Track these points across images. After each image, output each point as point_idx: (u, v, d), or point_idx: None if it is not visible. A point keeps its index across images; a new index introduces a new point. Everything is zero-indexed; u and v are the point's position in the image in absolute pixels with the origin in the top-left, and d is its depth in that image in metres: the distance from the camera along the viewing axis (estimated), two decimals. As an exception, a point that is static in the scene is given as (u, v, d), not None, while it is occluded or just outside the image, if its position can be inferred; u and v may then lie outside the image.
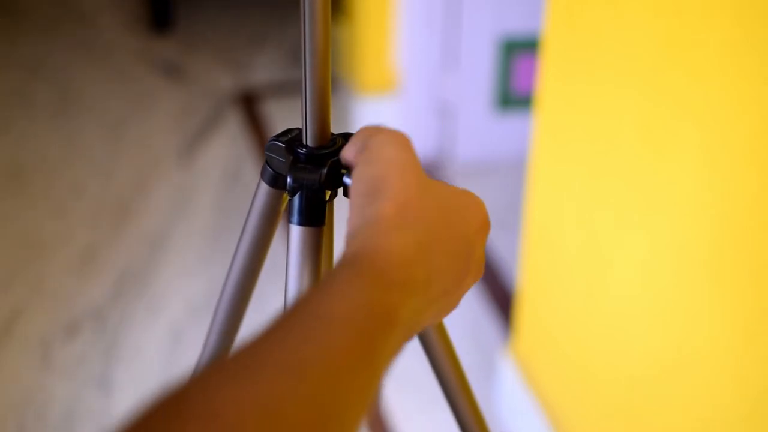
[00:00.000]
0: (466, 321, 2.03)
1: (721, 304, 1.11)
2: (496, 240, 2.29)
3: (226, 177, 2.55)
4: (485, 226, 0.56)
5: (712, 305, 1.12)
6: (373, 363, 0.44)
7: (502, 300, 2.10)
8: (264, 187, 0.68)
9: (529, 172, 1.57)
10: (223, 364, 0.40)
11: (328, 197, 0.63)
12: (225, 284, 0.74)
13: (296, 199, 0.64)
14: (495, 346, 1.93)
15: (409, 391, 1.83)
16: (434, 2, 2.42)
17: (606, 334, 1.40)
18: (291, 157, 0.64)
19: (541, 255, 1.59)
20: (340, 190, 0.64)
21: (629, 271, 1.30)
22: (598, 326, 1.42)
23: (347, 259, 0.49)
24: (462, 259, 0.54)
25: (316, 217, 0.62)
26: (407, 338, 0.50)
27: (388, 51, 2.59)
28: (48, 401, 1.83)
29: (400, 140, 0.55)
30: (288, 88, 2.98)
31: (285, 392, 0.39)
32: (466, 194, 0.57)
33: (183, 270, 2.19)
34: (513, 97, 2.55)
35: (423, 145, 2.57)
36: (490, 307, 2.09)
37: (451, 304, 0.55)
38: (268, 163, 0.67)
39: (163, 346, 1.97)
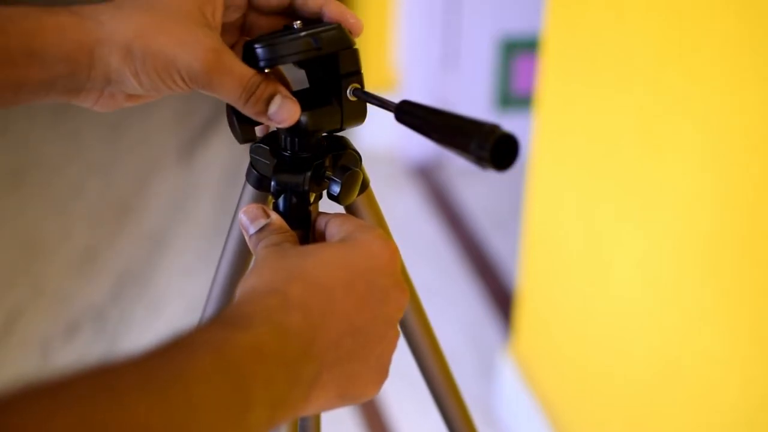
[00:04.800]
0: (466, 321, 2.03)
1: (723, 303, 1.10)
2: (496, 240, 2.29)
3: (226, 176, 2.55)
4: (377, 255, 0.55)
5: (713, 305, 1.12)
6: (238, 393, 0.44)
7: (502, 300, 2.10)
8: (249, 190, 0.68)
9: (529, 172, 1.57)
10: (71, 382, 0.40)
11: (312, 200, 0.64)
12: (212, 286, 0.74)
13: (280, 202, 0.64)
14: (495, 346, 1.93)
15: (408, 392, 1.83)
16: (434, 2, 2.42)
17: (606, 334, 1.40)
18: (275, 160, 0.65)
19: (541, 255, 1.59)
20: (324, 193, 0.64)
21: (629, 270, 1.30)
22: (598, 326, 1.42)
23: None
24: (355, 294, 0.53)
25: (300, 219, 0.62)
26: (297, 391, 0.49)
27: (388, 50, 2.59)
28: (48, 401, 1.83)
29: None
30: (293, 87, 2.98)
31: (140, 408, 0.39)
32: (346, 239, 0.57)
33: (183, 270, 2.19)
34: (513, 97, 2.55)
35: (423, 145, 2.57)
36: (490, 307, 2.08)
37: (375, 345, 0.54)
38: (253, 165, 0.67)
39: (163, 346, 1.97)
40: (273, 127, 0.65)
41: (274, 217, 0.60)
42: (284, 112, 0.61)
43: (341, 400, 0.53)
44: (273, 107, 0.61)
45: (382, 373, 0.55)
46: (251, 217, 0.59)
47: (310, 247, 0.55)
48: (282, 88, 0.62)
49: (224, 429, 0.43)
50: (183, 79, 0.60)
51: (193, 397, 0.42)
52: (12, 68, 0.58)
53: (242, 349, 0.46)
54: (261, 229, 0.59)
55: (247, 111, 0.61)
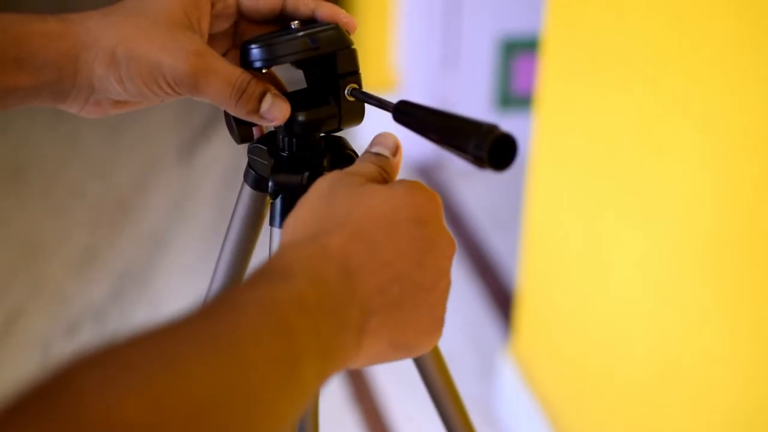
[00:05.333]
0: (466, 321, 2.03)
1: (723, 303, 1.10)
2: (496, 240, 2.29)
3: (226, 176, 2.55)
4: (421, 203, 0.55)
5: (713, 305, 1.12)
6: (288, 345, 0.44)
7: (502, 300, 2.10)
8: (247, 190, 0.68)
9: (529, 172, 1.57)
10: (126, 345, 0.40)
11: None
12: (209, 288, 0.74)
13: (278, 202, 0.64)
14: (495, 346, 1.93)
15: (409, 391, 1.82)
16: (434, 2, 2.42)
17: (606, 334, 1.40)
18: (273, 161, 0.65)
19: (541, 255, 1.59)
20: None
21: (629, 270, 1.30)
22: (599, 326, 1.42)
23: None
24: (399, 241, 0.53)
25: None
26: (347, 337, 0.49)
27: (388, 50, 2.59)
28: (48, 401, 1.83)
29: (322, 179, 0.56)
30: (291, 88, 2.98)
31: (195, 364, 0.40)
32: (391, 186, 0.56)
33: (183, 270, 2.19)
34: (513, 97, 2.54)
35: (423, 145, 2.56)
36: (490, 307, 2.08)
37: (426, 293, 0.54)
38: (251, 165, 0.67)
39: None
40: (267, 127, 0.65)
41: (397, 160, 0.60)
42: (276, 110, 0.61)
43: (395, 349, 0.53)
44: (265, 105, 0.61)
45: (437, 324, 0.55)
46: (382, 140, 0.60)
47: (358, 194, 0.54)
48: (271, 86, 0.62)
49: (278, 384, 0.43)
50: (169, 84, 0.60)
51: (246, 356, 0.42)
52: (1, 74, 0.58)
53: (287, 302, 0.46)
54: (376, 155, 0.59)
55: (240, 110, 0.61)
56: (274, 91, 0.62)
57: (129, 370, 0.38)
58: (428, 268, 0.54)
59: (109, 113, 0.64)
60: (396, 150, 0.60)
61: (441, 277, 0.55)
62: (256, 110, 0.61)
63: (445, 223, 0.56)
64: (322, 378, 0.46)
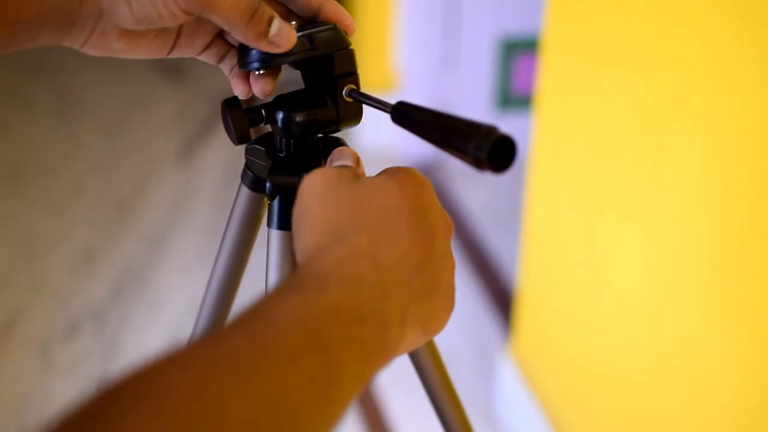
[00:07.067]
0: (466, 321, 2.03)
1: (723, 304, 1.10)
2: (496, 240, 2.29)
3: (225, 177, 2.55)
4: (419, 191, 0.55)
5: (713, 305, 1.12)
6: (325, 359, 0.44)
7: (502, 300, 2.10)
8: (245, 191, 0.68)
9: (529, 172, 1.57)
10: (163, 364, 0.39)
11: None
12: (207, 289, 0.74)
13: (276, 203, 0.64)
14: (495, 346, 1.92)
15: (409, 392, 1.82)
16: (434, 2, 2.42)
17: (606, 334, 1.40)
18: (271, 162, 0.64)
19: (541, 255, 1.59)
20: None
21: (629, 270, 1.30)
22: (599, 326, 1.42)
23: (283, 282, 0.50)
24: (412, 232, 0.53)
25: None
26: (392, 333, 0.49)
27: (388, 50, 2.59)
28: (48, 402, 1.83)
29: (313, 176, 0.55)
30: (289, 88, 2.98)
31: (226, 390, 0.39)
32: (385, 178, 0.56)
33: (183, 270, 2.19)
34: (513, 97, 2.54)
35: (423, 145, 2.56)
36: (490, 307, 2.08)
37: (439, 276, 0.54)
38: (248, 166, 0.67)
39: (163, 346, 1.97)
40: (264, 128, 0.65)
41: (361, 169, 0.59)
42: (284, 34, 0.60)
43: (425, 334, 0.54)
44: (273, 29, 0.60)
45: (451, 301, 0.56)
46: (343, 155, 0.59)
47: (361, 192, 0.54)
48: (276, 15, 0.61)
49: (318, 401, 0.42)
50: (177, 3, 0.58)
51: (283, 378, 0.41)
52: (4, 3, 0.57)
53: (320, 314, 0.45)
54: (343, 166, 0.58)
55: (250, 31, 0.59)
56: (281, 19, 0.61)
57: (162, 405, 0.37)
58: (437, 253, 0.54)
59: (113, 48, 0.62)
60: (358, 161, 0.59)
61: (447, 258, 0.56)
62: (266, 33, 0.59)
63: (439, 204, 0.57)
64: (362, 382, 0.46)
